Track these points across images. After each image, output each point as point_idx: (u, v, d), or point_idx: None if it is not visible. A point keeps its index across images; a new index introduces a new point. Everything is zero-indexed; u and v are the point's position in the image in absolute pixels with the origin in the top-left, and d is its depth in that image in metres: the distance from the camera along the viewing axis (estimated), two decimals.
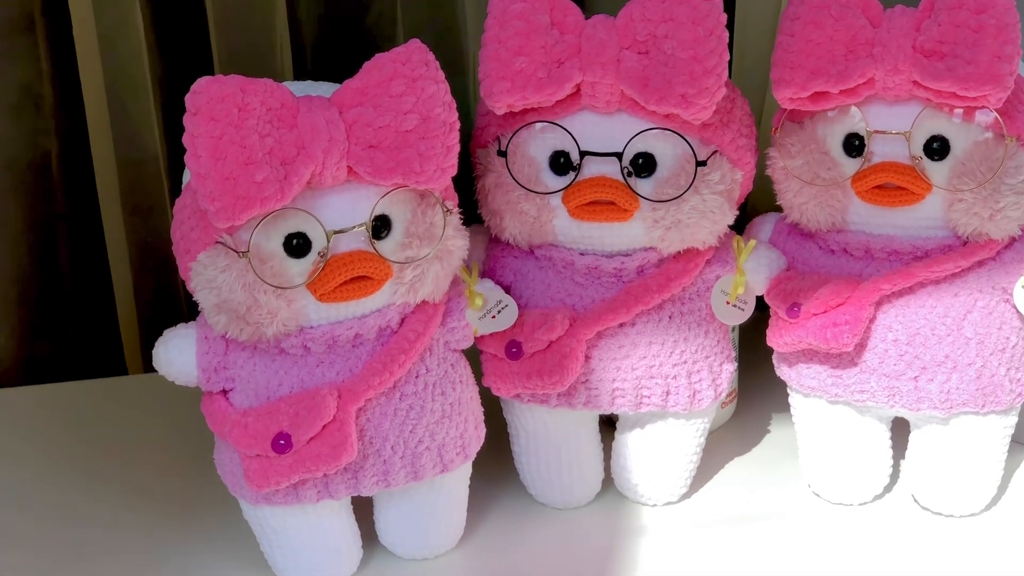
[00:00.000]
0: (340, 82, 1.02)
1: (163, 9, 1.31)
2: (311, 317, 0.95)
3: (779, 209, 1.09)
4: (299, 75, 1.37)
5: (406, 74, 0.93)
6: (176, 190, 1.29)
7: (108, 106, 1.30)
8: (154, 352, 1.00)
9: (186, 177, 0.99)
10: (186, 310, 1.40)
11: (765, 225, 1.08)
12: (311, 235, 0.93)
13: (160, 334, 1.24)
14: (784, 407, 1.14)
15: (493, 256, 1.08)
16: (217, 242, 0.93)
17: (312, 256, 0.93)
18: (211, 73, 1.28)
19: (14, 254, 1.37)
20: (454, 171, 0.94)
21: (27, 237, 1.37)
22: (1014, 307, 1.02)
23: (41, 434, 1.22)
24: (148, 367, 1.40)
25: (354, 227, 0.93)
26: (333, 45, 1.38)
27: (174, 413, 1.23)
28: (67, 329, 1.42)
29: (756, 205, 1.29)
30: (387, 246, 0.95)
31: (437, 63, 0.94)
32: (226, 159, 0.89)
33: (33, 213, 1.36)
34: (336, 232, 0.92)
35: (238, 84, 0.90)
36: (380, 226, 0.94)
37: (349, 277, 0.93)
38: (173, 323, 1.34)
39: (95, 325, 1.43)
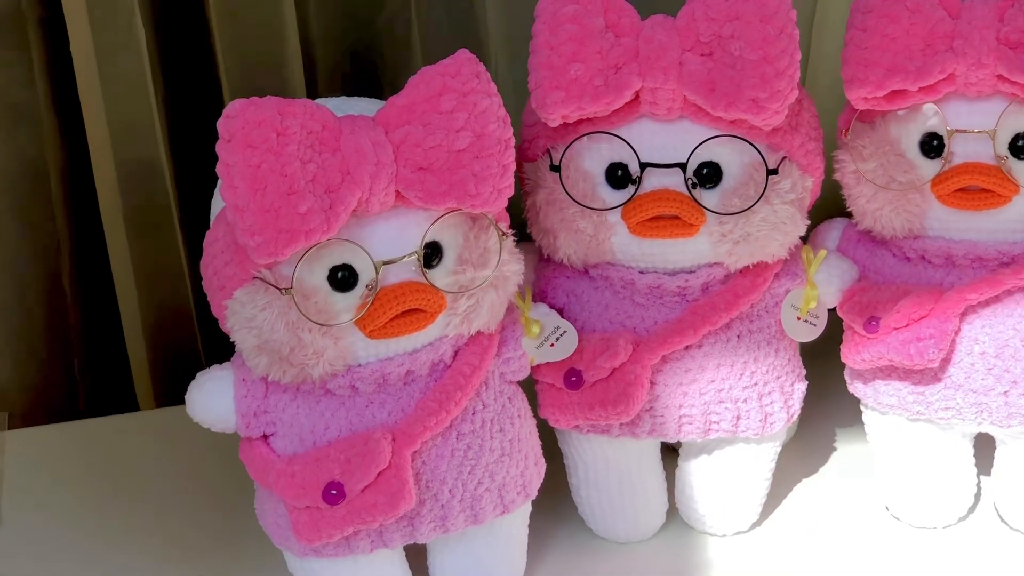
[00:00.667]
0: (358, 92, 0.96)
1: (164, 15, 1.23)
2: (359, 355, 0.88)
3: (837, 214, 1.03)
4: (310, 82, 1.30)
5: (456, 88, 0.85)
6: (185, 210, 1.23)
7: (108, 123, 1.22)
8: (187, 397, 0.92)
9: (215, 207, 0.91)
10: (200, 340, 1.32)
11: (832, 232, 1.02)
12: (357, 267, 0.85)
13: (172, 365, 1.17)
14: (849, 421, 1.09)
15: (544, 277, 1.00)
16: (255, 277, 0.85)
17: (359, 289, 0.86)
18: (216, 83, 1.21)
19: (14, 280, 1.29)
20: (511, 192, 0.87)
21: (27, 262, 1.29)
22: None
23: (55, 476, 1.16)
24: (161, 401, 1.34)
25: (404, 257, 0.86)
26: (344, 48, 1.31)
27: (194, 451, 1.17)
28: (73, 361, 1.34)
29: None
30: (439, 275, 0.87)
31: (488, 75, 0.87)
32: (266, 189, 0.81)
33: (32, 236, 1.29)
34: (385, 263, 0.85)
35: (275, 107, 0.82)
36: (431, 254, 0.87)
37: (401, 311, 0.86)
38: (186, 355, 1.29)
39: (103, 357, 1.35)
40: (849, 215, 1.01)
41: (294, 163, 0.82)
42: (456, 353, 0.90)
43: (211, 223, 0.91)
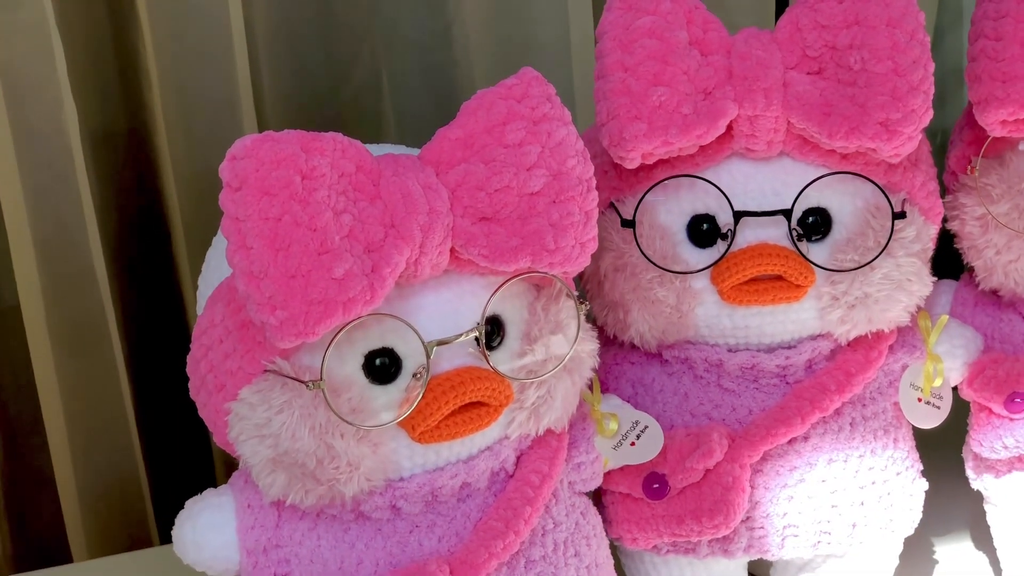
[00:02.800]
0: None
1: (98, 89, 1.05)
2: (403, 465, 0.70)
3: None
4: None
5: (525, 115, 0.68)
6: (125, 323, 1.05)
7: (30, 223, 1.02)
8: (176, 533, 0.73)
9: (204, 288, 0.74)
10: (148, 477, 1.11)
11: (940, 297, 0.87)
12: (400, 351, 0.68)
13: (110, 508, 1.07)
14: (946, 521, 0.93)
15: (604, 364, 0.82)
16: (267, 371, 0.67)
17: (404, 380, 0.68)
18: (159, 169, 1.04)
19: None
20: (595, 246, 0.71)
21: None
22: None
23: None
24: (98, 551, 1.15)
25: (460, 336, 0.68)
26: (305, 124, 1.13)
27: None
28: None
29: None
30: (501, 358, 0.70)
31: (559, 99, 0.69)
32: (290, 248, 0.64)
33: None
34: (438, 344, 0.67)
35: (297, 142, 0.65)
36: (492, 331, 0.70)
37: (459, 405, 0.68)
38: (128, 496, 1.11)
39: (28, 500, 1.16)
40: (950, 274, 0.87)
41: (325, 214, 0.64)
42: (519, 459, 0.73)
43: (201, 308, 0.72)
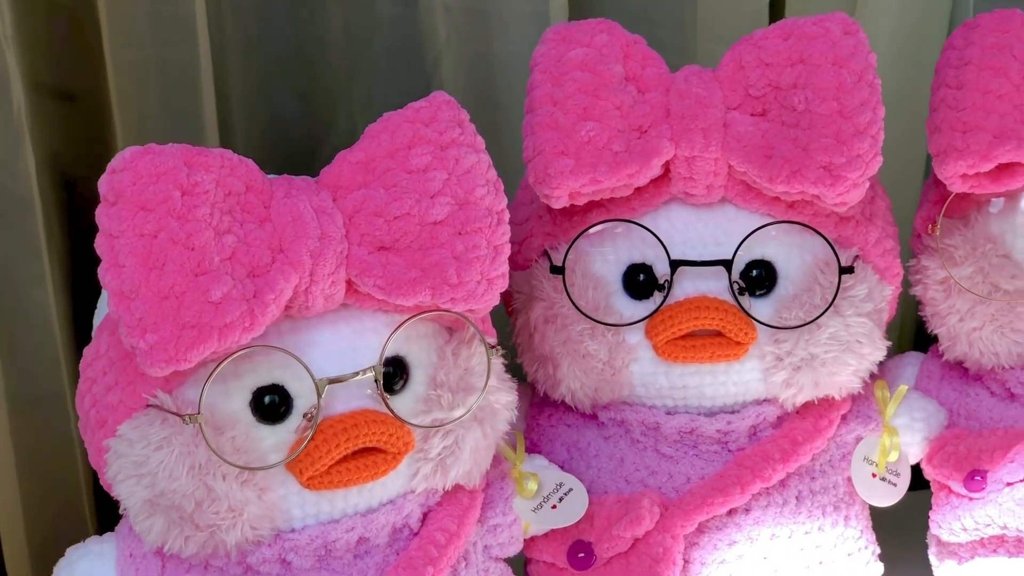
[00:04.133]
0: None
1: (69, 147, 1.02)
2: (293, 515, 0.66)
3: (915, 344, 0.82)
4: None
5: (431, 139, 0.65)
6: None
7: None
8: None
9: (99, 315, 0.70)
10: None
11: (905, 369, 0.84)
12: (291, 388, 0.65)
13: None
14: None
15: (536, 427, 0.80)
16: (148, 405, 0.63)
17: (294, 420, 0.65)
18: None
19: None
20: (504, 285, 0.67)
21: None
22: None
23: None
24: None
25: (356, 375, 0.64)
26: None
27: None
28: None
29: None
30: (404, 403, 0.66)
31: (473, 126, 0.65)
32: (164, 267, 0.61)
33: None
34: (331, 381, 0.63)
35: (181, 156, 0.61)
36: (393, 373, 0.66)
37: (351, 450, 0.64)
38: None
39: None
40: (919, 347, 0.83)
41: (205, 233, 0.61)
42: (426, 516, 0.70)
43: (93, 336, 0.67)
